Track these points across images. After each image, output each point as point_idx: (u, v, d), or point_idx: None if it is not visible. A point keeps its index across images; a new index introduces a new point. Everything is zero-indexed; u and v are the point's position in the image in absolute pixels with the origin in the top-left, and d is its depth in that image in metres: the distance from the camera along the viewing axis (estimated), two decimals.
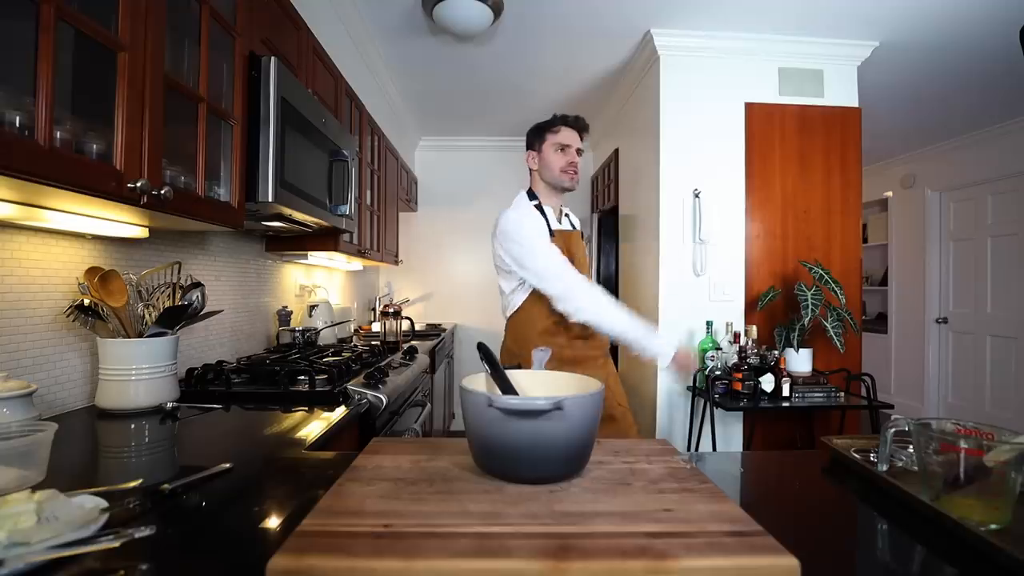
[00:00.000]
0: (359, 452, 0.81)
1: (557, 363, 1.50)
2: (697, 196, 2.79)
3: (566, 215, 1.81)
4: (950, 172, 4.53)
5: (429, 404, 2.44)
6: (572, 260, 1.62)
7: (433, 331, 3.72)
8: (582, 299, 1.56)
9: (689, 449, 2.66)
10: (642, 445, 0.86)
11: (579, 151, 1.72)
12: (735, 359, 2.50)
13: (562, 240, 1.66)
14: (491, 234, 1.70)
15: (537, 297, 1.63)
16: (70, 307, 1.21)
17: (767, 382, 2.38)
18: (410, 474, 0.72)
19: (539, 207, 1.69)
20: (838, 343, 2.53)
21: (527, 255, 1.59)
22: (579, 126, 1.72)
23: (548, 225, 1.66)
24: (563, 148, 1.68)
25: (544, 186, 1.72)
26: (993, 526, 0.63)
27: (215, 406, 1.35)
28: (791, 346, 2.56)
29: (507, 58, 3.03)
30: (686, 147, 2.81)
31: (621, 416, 1.70)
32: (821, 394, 2.43)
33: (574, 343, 1.67)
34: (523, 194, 1.73)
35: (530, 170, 1.76)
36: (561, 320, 1.62)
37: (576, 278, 1.58)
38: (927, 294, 4.76)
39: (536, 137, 1.73)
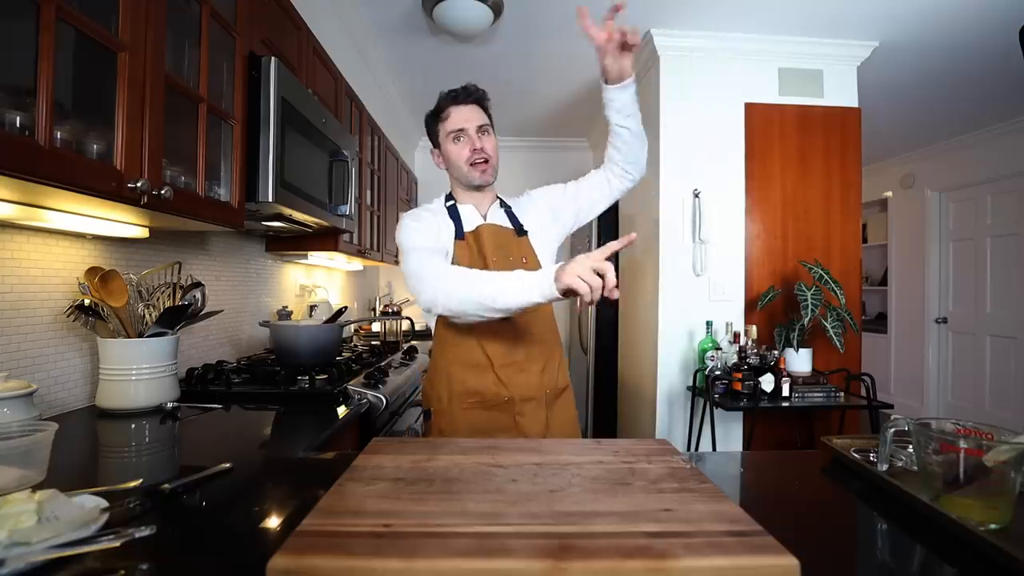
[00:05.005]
0: (359, 452, 0.81)
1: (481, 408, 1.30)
2: (697, 196, 2.79)
3: (505, 208, 1.43)
4: (950, 172, 4.54)
5: None
6: (485, 261, 1.32)
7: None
8: (433, 286, 1.19)
9: (689, 449, 2.66)
10: (642, 445, 0.86)
11: (482, 128, 1.34)
12: (735, 359, 2.50)
13: (473, 240, 1.35)
14: None
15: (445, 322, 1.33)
16: (70, 307, 1.22)
17: (767, 382, 2.38)
18: (410, 474, 0.72)
19: (453, 208, 1.38)
20: (838, 343, 2.53)
21: (403, 266, 1.31)
22: (469, 95, 1.34)
23: (460, 227, 1.35)
24: (457, 136, 1.35)
25: (460, 185, 1.40)
26: (993, 526, 0.63)
27: (215, 406, 1.35)
28: (791, 346, 2.56)
29: (507, 58, 3.03)
30: (686, 147, 2.81)
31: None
32: (821, 394, 2.43)
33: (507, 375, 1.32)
34: (441, 196, 1.43)
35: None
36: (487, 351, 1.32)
37: (434, 272, 1.21)
38: (927, 294, 4.76)
39: (431, 131, 1.40)
